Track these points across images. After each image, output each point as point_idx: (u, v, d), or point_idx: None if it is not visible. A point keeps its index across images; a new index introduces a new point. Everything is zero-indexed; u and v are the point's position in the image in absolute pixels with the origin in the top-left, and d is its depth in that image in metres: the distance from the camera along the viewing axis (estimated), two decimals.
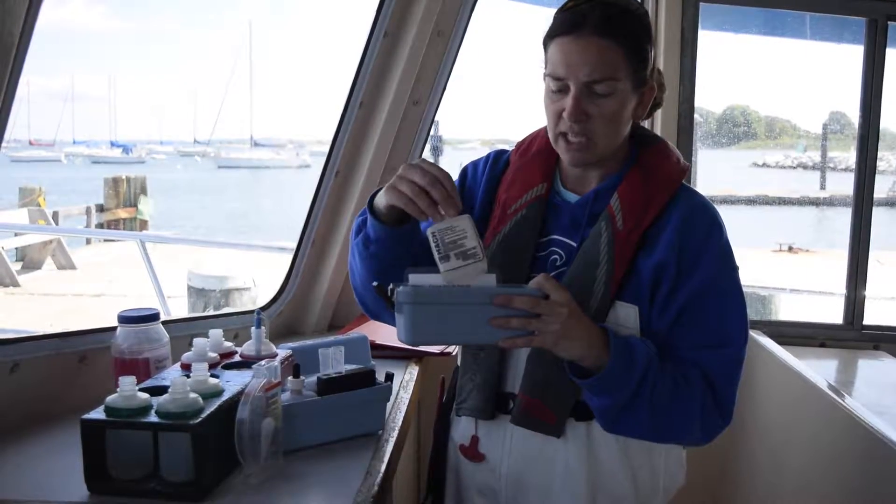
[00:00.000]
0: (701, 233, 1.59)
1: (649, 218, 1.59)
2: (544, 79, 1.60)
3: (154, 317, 1.88)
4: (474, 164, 1.84)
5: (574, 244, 1.66)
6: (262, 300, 2.75)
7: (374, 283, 1.50)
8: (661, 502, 1.73)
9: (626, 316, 1.58)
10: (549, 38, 1.57)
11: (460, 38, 2.67)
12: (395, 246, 1.60)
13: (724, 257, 1.61)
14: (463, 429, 1.78)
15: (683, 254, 1.57)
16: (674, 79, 2.96)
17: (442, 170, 1.50)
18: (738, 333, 1.60)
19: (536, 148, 1.76)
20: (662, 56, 2.94)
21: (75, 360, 1.96)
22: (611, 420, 1.57)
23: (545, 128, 1.70)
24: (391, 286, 1.47)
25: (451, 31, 2.64)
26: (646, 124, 2.99)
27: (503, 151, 1.83)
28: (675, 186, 1.63)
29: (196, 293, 9.23)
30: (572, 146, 1.58)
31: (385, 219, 1.59)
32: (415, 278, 1.48)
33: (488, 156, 1.83)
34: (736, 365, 1.59)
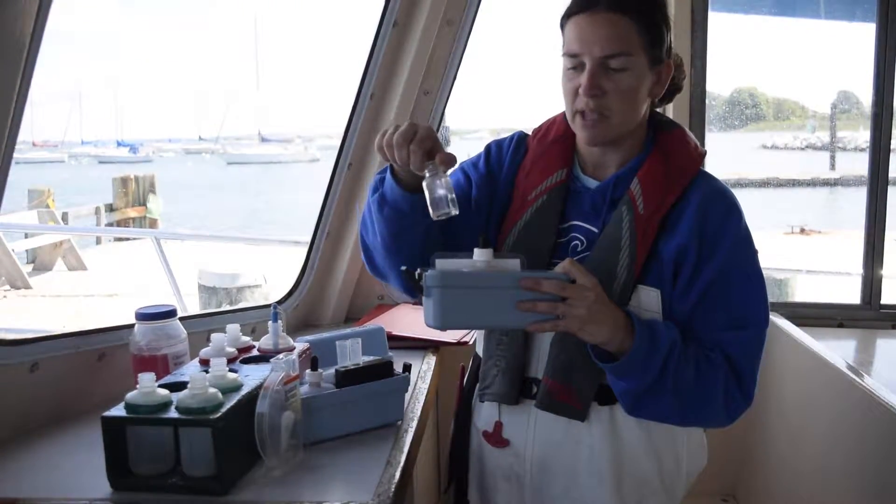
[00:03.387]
0: (720, 216, 1.60)
1: (669, 202, 1.60)
2: (563, 60, 1.60)
3: (171, 313, 1.88)
4: (498, 143, 1.84)
5: (595, 230, 1.66)
6: (274, 297, 2.75)
7: (403, 268, 1.50)
8: (684, 484, 1.75)
9: (649, 299, 1.59)
10: (565, 19, 1.59)
11: (469, 27, 2.66)
12: (411, 213, 1.60)
13: (743, 240, 1.61)
14: (486, 415, 1.79)
15: (704, 237, 1.58)
16: (685, 62, 2.93)
17: (422, 126, 1.52)
18: (760, 315, 1.60)
19: (554, 134, 1.76)
20: (673, 38, 2.92)
21: (94, 358, 1.96)
22: (634, 403, 1.58)
23: (561, 114, 1.71)
24: (419, 270, 1.47)
25: (460, 21, 2.63)
26: (658, 108, 3.00)
27: (526, 136, 1.82)
28: (694, 171, 1.64)
29: (207, 291, 9.24)
30: (588, 122, 1.58)
31: (403, 183, 1.59)
32: (442, 263, 1.49)
33: (512, 136, 1.83)
34: (758, 346, 1.59)
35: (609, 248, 1.61)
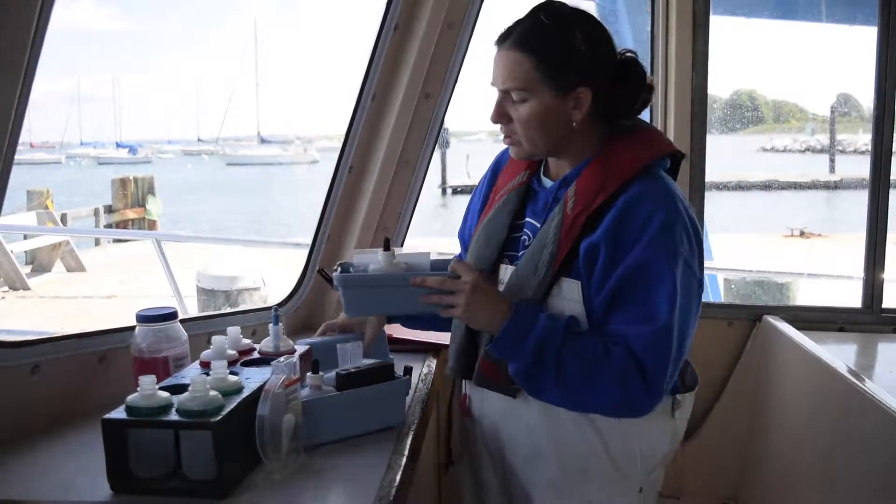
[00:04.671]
0: (639, 218, 1.66)
1: (597, 203, 1.71)
2: None
3: (172, 315, 1.88)
4: (498, 156, 2.06)
5: (539, 226, 1.82)
6: (273, 299, 2.75)
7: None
8: (642, 465, 1.82)
9: (570, 289, 1.73)
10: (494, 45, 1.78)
11: (471, 29, 2.65)
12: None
13: (660, 243, 1.65)
14: (464, 389, 2.06)
15: (619, 238, 1.66)
16: (686, 65, 2.94)
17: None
18: (666, 312, 1.63)
19: None
20: (675, 42, 2.92)
21: (95, 360, 1.96)
22: (526, 386, 1.75)
23: None
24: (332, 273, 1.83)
25: (461, 23, 2.62)
26: (659, 110, 3.00)
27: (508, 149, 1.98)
28: (629, 175, 1.71)
29: (206, 294, 9.22)
30: (506, 142, 1.82)
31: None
32: (358, 258, 1.85)
33: (501, 153, 2.05)
34: (663, 342, 1.64)
35: (538, 244, 1.77)
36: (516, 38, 1.71)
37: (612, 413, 1.72)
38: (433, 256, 1.89)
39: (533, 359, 1.67)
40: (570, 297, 1.72)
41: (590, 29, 1.75)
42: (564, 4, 1.75)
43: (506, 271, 1.85)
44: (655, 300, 1.64)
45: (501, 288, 1.82)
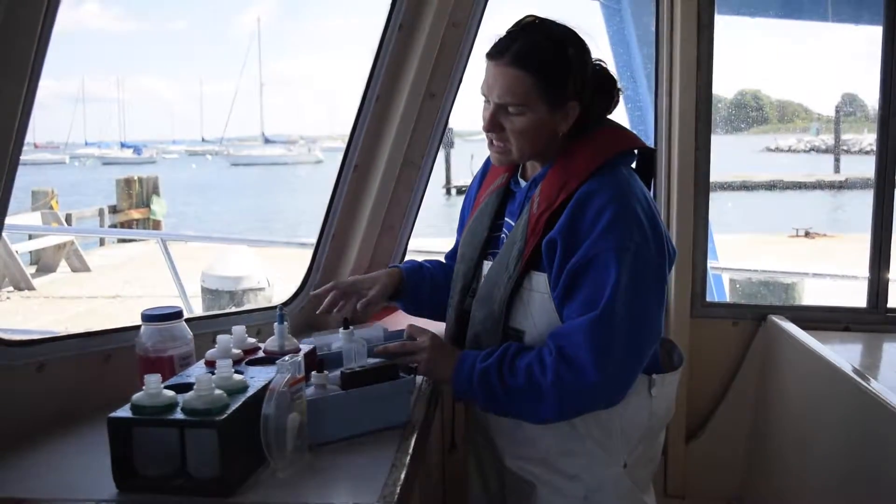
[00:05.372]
0: (591, 212, 1.75)
1: (558, 202, 1.81)
2: None
3: (177, 315, 1.88)
4: (487, 161, 2.14)
5: (514, 224, 1.93)
6: (277, 300, 2.75)
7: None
8: (622, 440, 1.91)
9: (538, 282, 1.85)
10: (486, 56, 1.86)
11: (475, 29, 2.65)
12: (416, 302, 2.25)
13: (608, 238, 1.73)
14: None
15: (572, 234, 1.76)
16: (690, 65, 2.94)
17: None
18: (604, 301, 1.71)
19: None
20: (679, 43, 2.92)
21: (100, 359, 1.96)
22: (494, 412, 1.90)
23: None
24: None
25: (466, 23, 2.62)
26: (664, 110, 3.00)
27: None
28: (586, 173, 1.81)
29: (210, 294, 9.21)
30: (493, 149, 1.91)
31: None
32: (319, 338, 2.07)
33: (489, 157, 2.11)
34: (598, 327, 1.71)
35: (509, 242, 1.90)
36: (515, 55, 1.79)
37: (555, 414, 1.81)
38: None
39: (484, 395, 1.82)
40: (538, 289, 1.85)
41: (578, 46, 1.85)
42: (555, 22, 1.84)
43: (487, 267, 1.98)
44: (597, 291, 1.72)
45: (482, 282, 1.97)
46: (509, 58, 1.79)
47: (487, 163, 2.14)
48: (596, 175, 1.81)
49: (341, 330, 2.00)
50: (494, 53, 1.82)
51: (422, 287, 2.23)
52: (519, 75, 1.78)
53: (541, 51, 1.80)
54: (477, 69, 2.65)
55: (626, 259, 1.72)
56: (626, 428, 1.90)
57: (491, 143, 1.90)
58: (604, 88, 1.90)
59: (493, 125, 1.84)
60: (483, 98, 1.87)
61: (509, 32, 1.83)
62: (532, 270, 1.85)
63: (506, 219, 1.99)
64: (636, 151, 1.93)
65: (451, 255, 2.27)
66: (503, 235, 1.97)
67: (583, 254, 1.74)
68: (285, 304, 2.59)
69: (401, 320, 2.47)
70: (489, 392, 1.81)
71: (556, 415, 1.80)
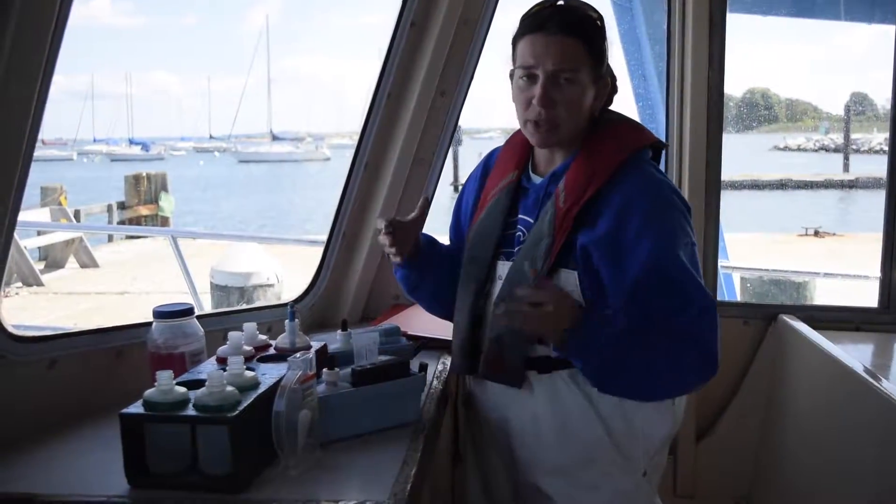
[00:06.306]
0: (637, 221, 1.75)
1: (588, 195, 1.79)
2: (511, 76, 1.87)
3: (189, 311, 1.89)
4: (485, 160, 2.13)
5: (532, 221, 1.89)
6: (287, 296, 2.75)
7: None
8: (644, 446, 1.89)
9: (567, 280, 1.82)
10: (518, 38, 1.83)
11: (486, 26, 2.65)
12: (415, 278, 2.08)
13: (665, 241, 1.75)
14: (468, 385, 2.13)
15: (620, 241, 1.75)
16: (702, 63, 2.92)
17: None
18: (696, 293, 1.74)
19: (513, 142, 2.03)
20: (690, 40, 2.90)
21: (112, 355, 1.97)
22: (597, 382, 1.79)
23: None
24: None
25: (477, 20, 2.62)
26: (675, 108, 2.99)
27: (497, 149, 2.11)
28: (613, 167, 1.81)
29: (219, 290, 9.21)
30: (540, 129, 1.83)
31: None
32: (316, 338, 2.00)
33: (490, 153, 2.13)
34: (706, 318, 1.74)
35: (534, 238, 1.85)
36: (564, 23, 1.78)
37: (680, 390, 1.86)
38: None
39: (613, 351, 1.73)
40: (567, 286, 1.81)
41: (605, 25, 1.87)
42: (580, 1, 1.86)
43: (503, 267, 1.92)
44: (685, 285, 1.74)
45: (500, 283, 1.91)
46: (557, 26, 1.78)
47: (488, 161, 2.11)
48: (627, 171, 1.81)
49: (339, 332, 2.02)
50: (539, 25, 1.79)
51: (433, 256, 2.09)
52: (570, 42, 1.78)
53: (586, 20, 1.82)
54: (487, 67, 2.65)
55: (686, 251, 1.76)
56: (648, 434, 1.88)
57: (535, 125, 1.83)
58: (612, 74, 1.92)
59: (547, 98, 1.79)
60: (522, 76, 1.82)
61: (544, 8, 1.82)
62: (560, 268, 1.82)
63: (520, 216, 1.93)
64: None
65: None
66: (519, 233, 1.92)
67: (649, 263, 1.73)
68: (296, 301, 2.59)
69: (406, 320, 2.46)
70: (623, 347, 1.73)
71: (703, 357, 1.76)
